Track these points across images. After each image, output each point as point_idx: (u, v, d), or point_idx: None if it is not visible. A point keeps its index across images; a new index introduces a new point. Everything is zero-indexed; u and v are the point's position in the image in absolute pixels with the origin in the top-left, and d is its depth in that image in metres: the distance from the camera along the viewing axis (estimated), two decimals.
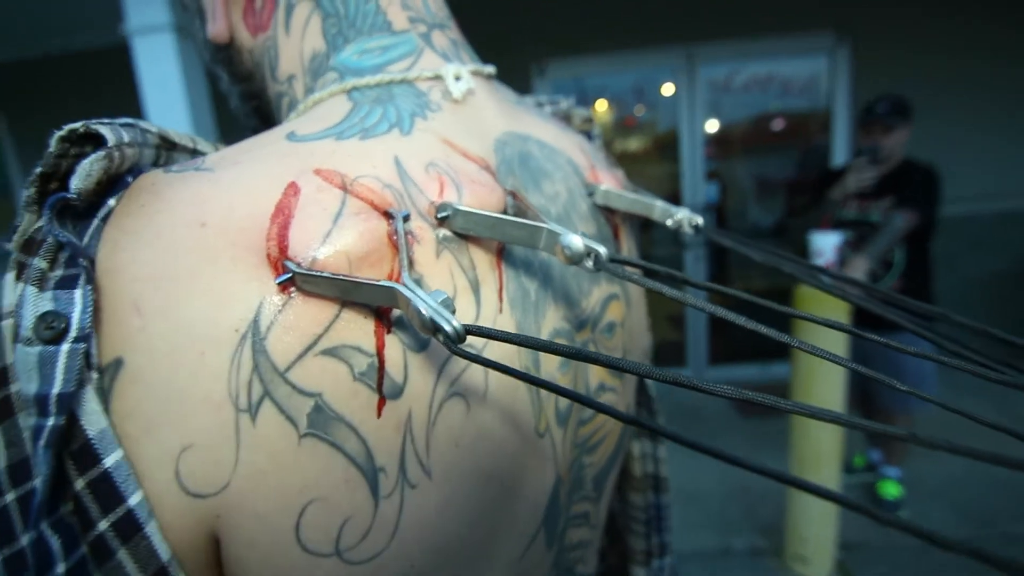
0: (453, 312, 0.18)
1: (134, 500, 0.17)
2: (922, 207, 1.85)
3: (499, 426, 0.24)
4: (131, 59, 1.82)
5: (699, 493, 2.38)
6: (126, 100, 1.90)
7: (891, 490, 2.14)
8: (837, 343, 1.64)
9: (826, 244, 1.62)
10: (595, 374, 0.33)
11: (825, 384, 1.73)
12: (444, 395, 0.22)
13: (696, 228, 0.34)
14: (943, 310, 0.26)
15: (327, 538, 0.20)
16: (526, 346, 0.19)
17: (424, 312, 0.18)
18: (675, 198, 3.35)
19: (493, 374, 0.24)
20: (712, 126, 3.38)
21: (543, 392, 0.27)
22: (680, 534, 2.14)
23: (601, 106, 3.50)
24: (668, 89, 3.26)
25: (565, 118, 0.44)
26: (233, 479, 0.19)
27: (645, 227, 3.28)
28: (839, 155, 3.14)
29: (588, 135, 0.45)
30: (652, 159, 3.47)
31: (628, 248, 0.38)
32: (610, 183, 0.35)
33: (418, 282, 0.22)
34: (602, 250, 0.22)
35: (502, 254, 0.26)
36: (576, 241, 0.22)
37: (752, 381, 3.32)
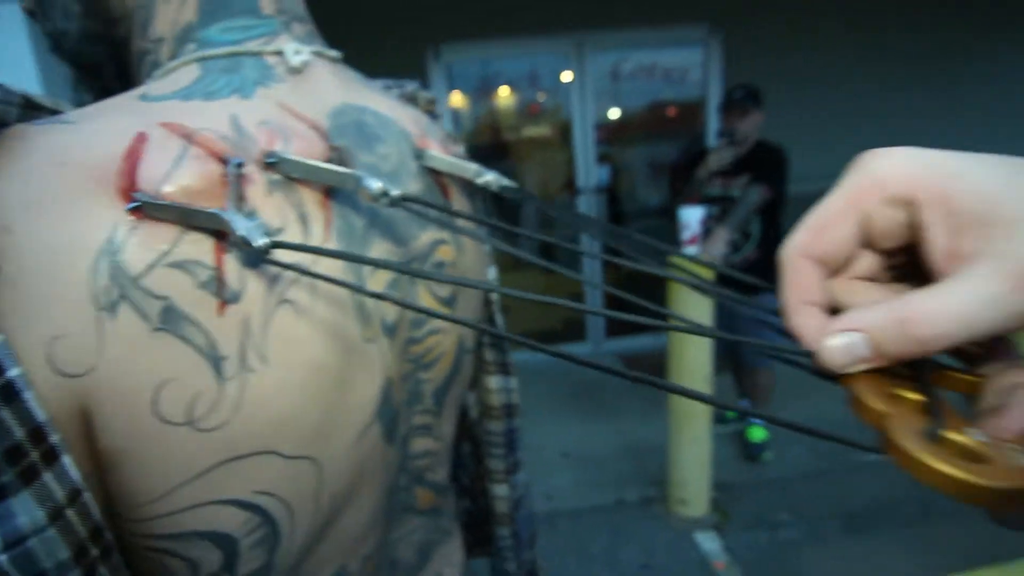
0: (266, 233, 0.25)
1: (13, 373, 0.22)
2: (773, 183, 2.11)
3: (326, 329, 0.31)
4: None
5: (595, 456, 2.57)
6: None
7: (758, 434, 2.43)
8: (703, 308, 1.85)
9: (692, 217, 1.81)
10: (424, 299, 0.40)
11: (696, 347, 1.94)
12: (276, 301, 0.28)
13: (504, 188, 0.42)
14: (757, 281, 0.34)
15: (180, 411, 0.26)
16: (326, 255, 0.25)
17: (240, 231, 0.24)
18: (571, 181, 3.52)
19: (320, 288, 0.30)
20: (614, 113, 3.58)
21: (369, 306, 0.34)
22: (578, 493, 2.31)
23: (504, 92, 3.59)
24: (567, 76, 3.40)
25: (411, 99, 0.51)
26: (98, 363, 0.24)
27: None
28: (713, 140, 3.44)
29: (432, 115, 0.52)
30: (555, 145, 3.62)
31: (460, 205, 0.45)
32: (438, 150, 0.42)
33: (252, 214, 0.28)
34: (394, 192, 0.29)
35: (330, 196, 0.32)
36: (372, 183, 0.28)
37: (647, 351, 3.58)
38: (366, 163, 0.36)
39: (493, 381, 0.61)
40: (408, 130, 0.41)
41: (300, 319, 0.30)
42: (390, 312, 0.36)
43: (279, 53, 0.35)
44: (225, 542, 0.30)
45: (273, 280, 0.28)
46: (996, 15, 3.56)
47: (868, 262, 0.26)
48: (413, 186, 0.39)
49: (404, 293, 0.38)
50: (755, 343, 0.25)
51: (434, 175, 0.43)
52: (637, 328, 3.68)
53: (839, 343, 0.22)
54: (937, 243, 0.22)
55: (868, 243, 0.25)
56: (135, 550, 0.29)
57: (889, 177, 0.23)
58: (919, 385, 0.22)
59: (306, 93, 0.35)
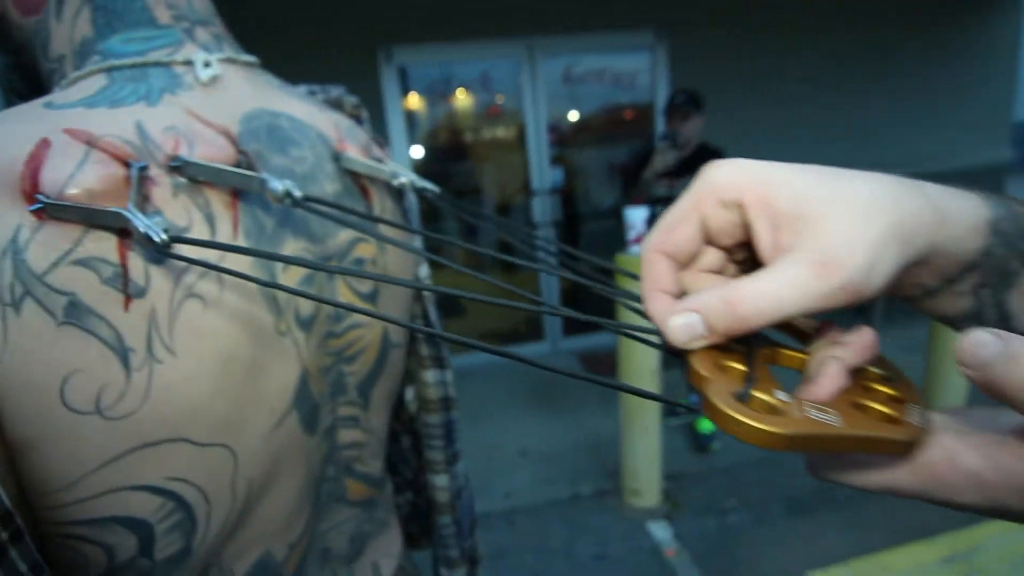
0: (165, 230, 0.26)
1: None
2: None
3: (236, 321, 0.33)
4: None
5: (552, 452, 2.61)
6: None
7: (706, 425, 2.52)
8: None
9: (636, 217, 1.88)
10: (343, 295, 0.42)
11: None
12: (183, 296, 0.30)
13: (420, 190, 0.44)
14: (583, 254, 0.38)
15: (88, 400, 0.27)
16: (225, 250, 0.28)
17: (140, 228, 0.26)
18: (527, 183, 3.57)
19: (229, 282, 0.32)
20: (567, 116, 3.64)
21: (281, 300, 0.36)
22: (536, 490, 2.35)
23: (462, 94, 3.61)
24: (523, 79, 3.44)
25: (337, 104, 0.53)
26: (3, 355, 0.25)
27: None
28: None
29: (358, 120, 0.54)
30: (515, 148, 3.65)
31: (382, 206, 0.48)
32: (356, 153, 0.45)
33: (157, 214, 0.30)
34: (297, 193, 0.31)
35: (238, 197, 0.34)
36: (276, 185, 0.31)
37: (605, 348, 3.64)
38: (280, 166, 0.38)
39: (429, 375, 0.63)
40: (326, 134, 0.43)
41: (208, 312, 0.31)
42: (305, 306, 0.38)
43: (188, 63, 0.36)
44: (140, 527, 0.32)
45: (180, 275, 0.30)
46: (929, 21, 3.80)
47: (712, 257, 0.30)
48: (330, 187, 0.42)
49: (321, 288, 0.40)
50: (613, 325, 0.28)
51: (353, 177, 0.45)
52: (592, 325, 3.75)
53: (679, 322, 0.26)
54: (762, 238, 0.26)
55: (710, 240, 0.29)
56: (53, 540, 0.30)
57: (721, 185, 0.27)
58: (747, 359, 0.25)
59: (216, 99, 0.37)
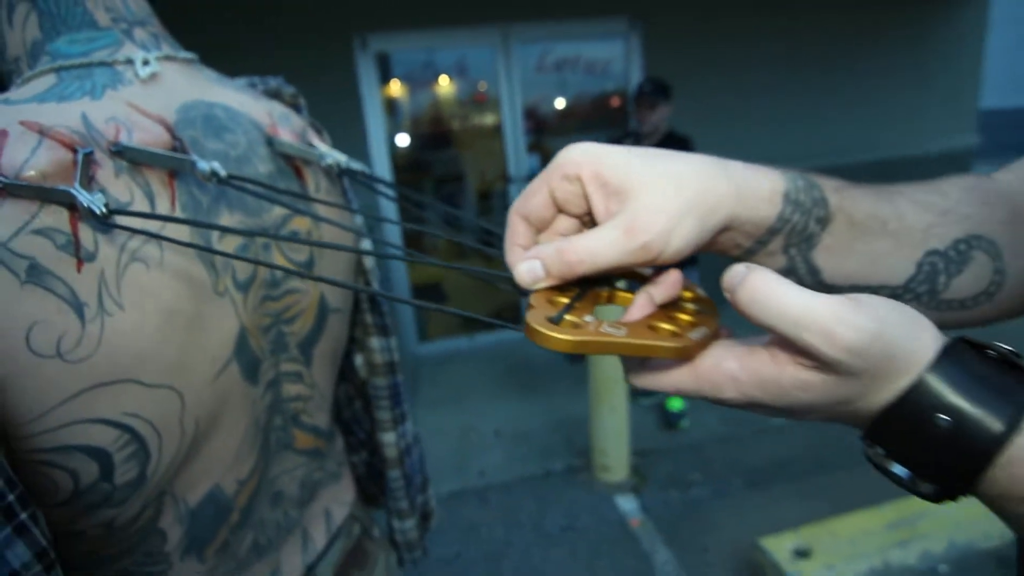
0: (105, 204, 0.32)
1: None
2: None
3: (177, 281, 0.39)
4: None
5: (526, 431, 2.69)
6: None
7: (676, 404, 2.62)
8: None
9: None
10: (280, 261, 0.49)
11: None
12: (128, 259, 0.36)
13: (347, 171, 0.50)
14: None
15: (49, 345, 0.34)
16: (161, 219, 0.34)
17: (84, 203, 0.32)
18: (505, 170, 3.63)
19: (168, 248, 0.38)
20: (543, 103, 3.68)
21: (219, 264, 0.42)
22: (509, 467, 2.44)
23: (444, 81, 3.64)
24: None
25: (276, 94, 0.59)
26: None
27: None
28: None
29: (297, 108, 0.60)
30: (495, 135, 3.68)
31: (315, 184, 0.54)
32: (289, 138, 0.51)
33: (103, 192, 0.36)
34: (222, 172, 0.37)
35: (174, 177, 0.40)
36: (204, 165, 0.37)
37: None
38: (215, 150, 0.44)
39: (375, 342, 0.70)
40: (259, 120, 0.49)
41: (151, 272, 0.37)
42: (242, 271, 0.45)
43: (129, 61, 0.42)
44: (100, 455, 0.38)
45: (124, 242, 0.36)
46: (896, 10, 3.88)
47: (566, 222, 0.36)
48: (263, 168, 0.48)
49: (256, 256, 0.46)
50: (475, 272, 0.35)
51: (287, 159, 0.51)
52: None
53: (525, 267, 0.32)
54: (597, 206, 0.33)
55: (561, 208, 0.35)
56: (27, 465, 0.37)
57: (565, 162, 0.34)
58: (576, 297, 0.32)
59: (155, 92, 0.43)
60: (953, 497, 0.27)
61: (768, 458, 2.33)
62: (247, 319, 0.46)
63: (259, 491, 0.54)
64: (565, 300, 0.32)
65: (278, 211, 0.48)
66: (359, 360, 0.75)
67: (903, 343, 0.25)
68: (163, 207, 0.39)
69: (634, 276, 0.37)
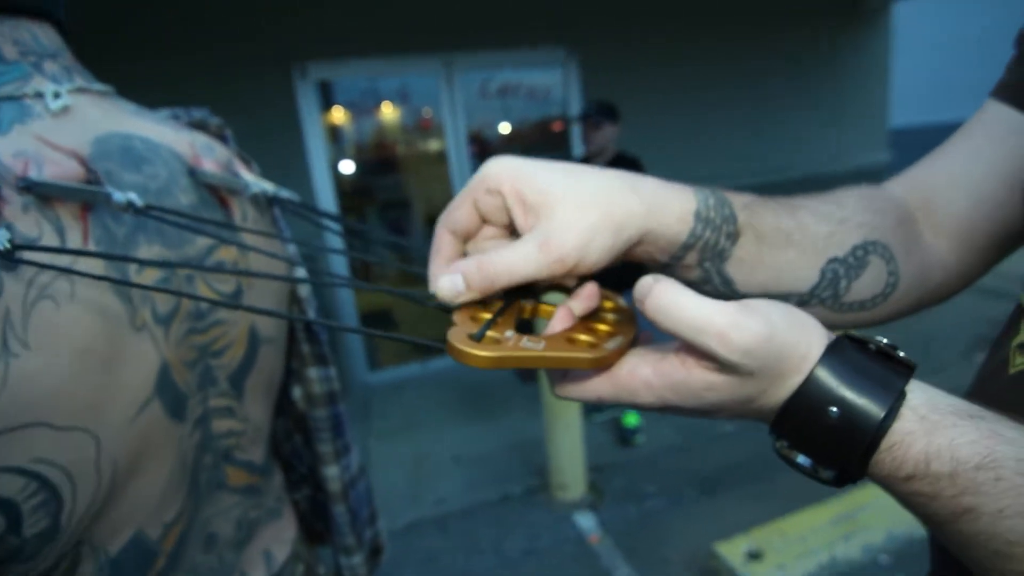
0: (10, 240, 0.31)
1: None
2: None
3: (90, 317, 0.37)
4: None
5: (483, 456, 2.67)
6: None
7: (631, 420, 2.65)
8: None
9: None
10: (205, 292, 0.48)
11: None
12: (35, 296, 0.35)
13: (275, 199, 0.50)
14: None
15: None
16: (71, 253, 0.33)
17: None
18: (451, 195, 3.64)
19: (83, 284, 0.37)
20: (485, 129, 3.74)
21: (136, 298, 0.41)
22: (468, 494, 2.40)
23: (387, 107, 3.64)
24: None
25: (201, 125, 0.58)
26: None
27: None
28: (578, 152, 3.72)
29: (223, 138, 0.59)
30: (440, 160, 3.70)
31: (243, 214, 0.53)
32: (213, 168, 0.50)
33: (9, 228, 0.34)
34: (138, 203, 0.37)
35: (88, 210, 0.39)
36: (119, 196, 0.36)
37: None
38: (133, 182, 0.43)
39: (313, 372, 0.68)
40: (179, 151, 0.49)
41: (62, 310, 0.36)
42: (163, 304, 0.43)
43: (39, 95, 0.41)
44: (6, 507, 0.36)
45: (32, 279, 0.35)
46: (809, 36, 4.18)
47: (492, 232, 0.37)
48: (185, 199, 0.47)
49: (179, 288, 0.45)
50: (398, 292, 0.35)
51: (211, 189, 0.50)
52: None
53: (446, 282, 0.33)
54: (517, 219, 0.34)
55: (486, 220, 0.36)
56: None
57: (487, 176, 0.35)
58: (499, 312, 0.33)
59: (67, 126, 0.42)
60: (852, 481, 0.29)
61: (720, 465, 2.39)
62: (170, 353, 0.44)
63: (189, 534, 0.51)
64: (488, 316, 0.33)
65: (202, 242, 0.48)
66: (297, 392, 0.74)
67: (793, 343, 0.28)
68: (74, 241, 0.38)
69: (559, 287, 0.38)
